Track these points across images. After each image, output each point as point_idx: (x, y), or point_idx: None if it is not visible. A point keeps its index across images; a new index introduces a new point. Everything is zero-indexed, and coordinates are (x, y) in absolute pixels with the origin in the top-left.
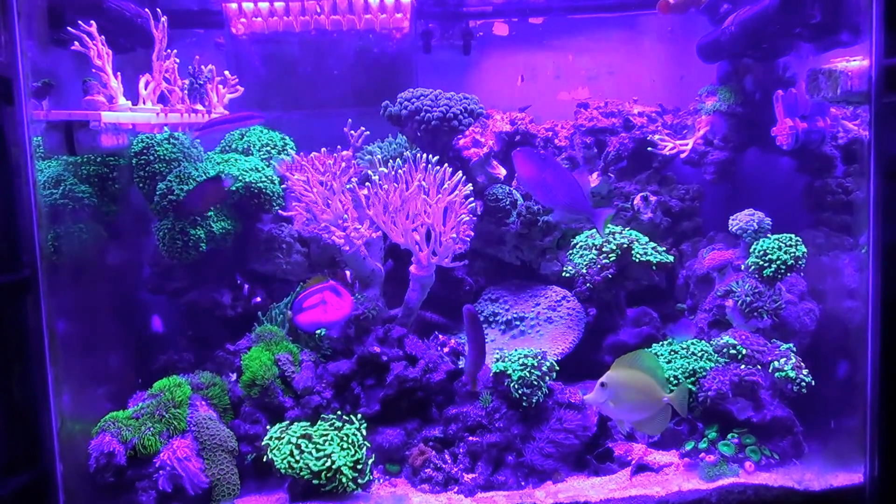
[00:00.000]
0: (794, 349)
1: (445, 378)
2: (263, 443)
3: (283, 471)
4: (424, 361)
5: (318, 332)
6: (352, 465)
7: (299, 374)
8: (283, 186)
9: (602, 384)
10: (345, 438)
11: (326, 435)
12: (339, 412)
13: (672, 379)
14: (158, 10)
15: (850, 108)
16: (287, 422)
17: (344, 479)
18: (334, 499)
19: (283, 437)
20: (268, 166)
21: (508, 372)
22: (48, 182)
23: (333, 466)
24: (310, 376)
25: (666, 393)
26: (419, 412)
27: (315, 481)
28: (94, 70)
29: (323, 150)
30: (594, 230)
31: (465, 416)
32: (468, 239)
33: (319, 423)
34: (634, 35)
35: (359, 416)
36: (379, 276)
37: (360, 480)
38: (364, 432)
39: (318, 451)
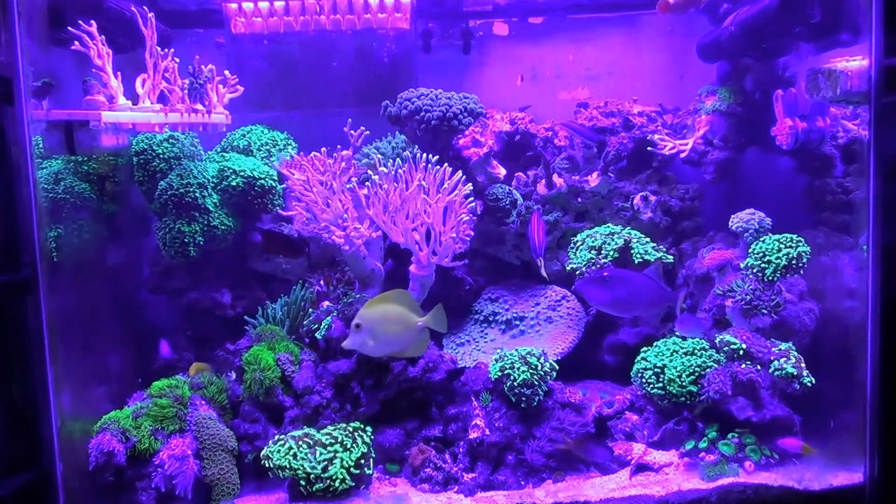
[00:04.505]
0: (794, 348)
1: (445, 377)
2: (263, 454)
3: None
4: (424, 361)
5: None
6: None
7: (299, 373)
8: (282, 186)
9: (357, 326)
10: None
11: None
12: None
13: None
14: (146, 7)
15: (850, 108)
16: (285, 434)
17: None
18: (333, 498)
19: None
20: (269, 167)
21: (508, 372)
22: (48, 178)
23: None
24: (310, 376)
25: (419, 318)
26: (419, 412)
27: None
28: (94, 70)
29: (323, 149)
30: (594, 230)
31: (465, 416)
32: (468, 238)
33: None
34: (634, 35)
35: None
36: (379, 276)
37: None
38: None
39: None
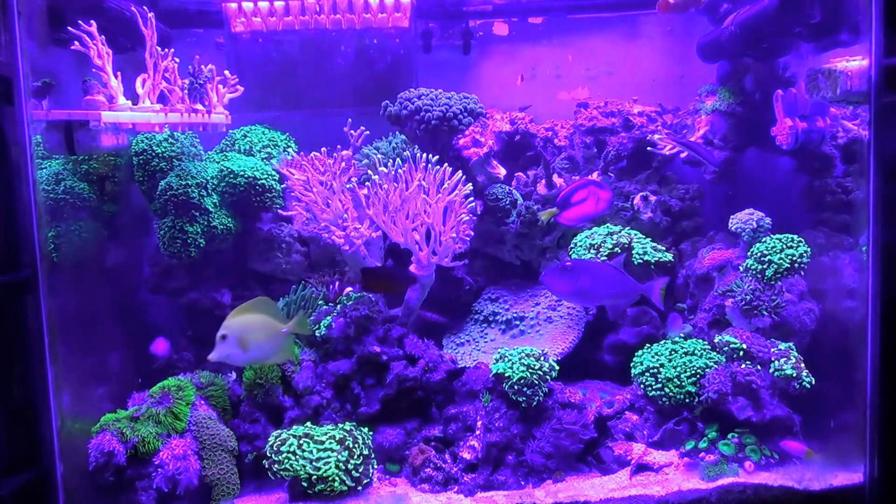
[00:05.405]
0: (794, 348)
1: (445, 377)
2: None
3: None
4: (424, 361)
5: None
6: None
7: (299, 373)
8: (283, 186)
9: (223, 336)
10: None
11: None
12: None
13: None
14: (146, 7)
15: (850, 108)
16: (285, 428)
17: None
18: (333, 498)
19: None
20: (270, 167)
21: (508, 374)
22: (48, 179)
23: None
24: (310, 376)
25: (284, 324)
26: (419, 412)
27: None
28: (94, 70)
29: (323, 149)
30: (594, 230)
31: (464, 416)
32: (468, 238)
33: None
34: (634, 35)
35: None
36: None
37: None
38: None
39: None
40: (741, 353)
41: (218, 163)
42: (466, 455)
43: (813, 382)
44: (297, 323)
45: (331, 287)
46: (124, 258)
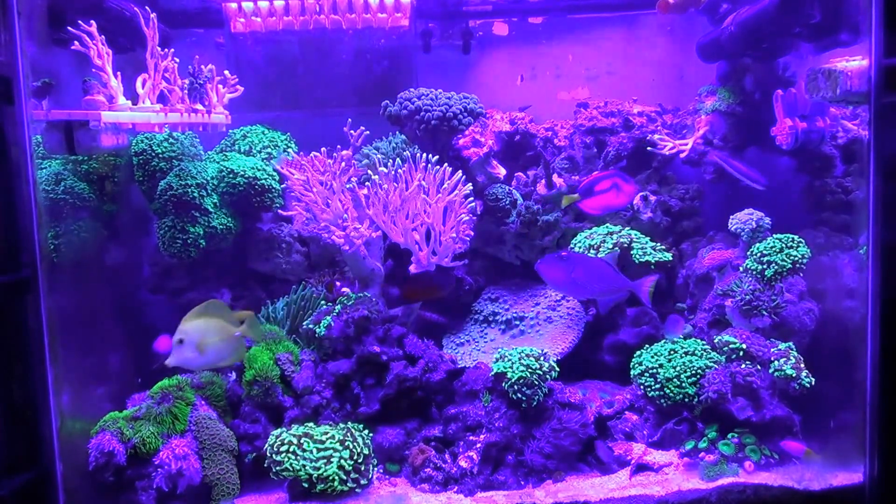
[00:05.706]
0: (794, 348)
1: (445, 377)
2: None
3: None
4: (424, 361)
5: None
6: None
7: (299, 373)
8: (283, 186)
9: (180, 341)
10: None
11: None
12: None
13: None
14: (147, 8)
15: (850, 108)
16: (284, 428)
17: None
18: (333, 498)
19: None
20: (270, 166)
21: (508, 374)
22: (48, 179)
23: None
24: (310, 376)
25: (237, 328)
26: (419, 412)
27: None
28: (94, 70)
29: (323, 149)
30: (593, 230)
31: (464, 416)
32: (468, 238)
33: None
34: (634, 35)
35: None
36: (379, 276)
37: (362, 481)
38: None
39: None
40: (741, 353)
41: (218, 163)
42: (464, 464)
43: (813, 382)
44: (248, 327)
45: (336, 286)
46: (124, 258)
